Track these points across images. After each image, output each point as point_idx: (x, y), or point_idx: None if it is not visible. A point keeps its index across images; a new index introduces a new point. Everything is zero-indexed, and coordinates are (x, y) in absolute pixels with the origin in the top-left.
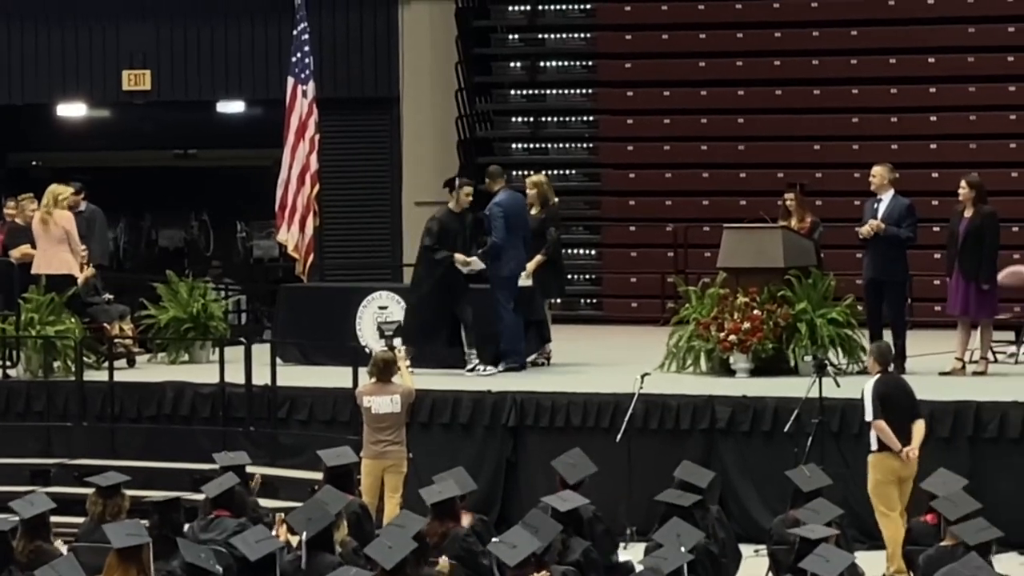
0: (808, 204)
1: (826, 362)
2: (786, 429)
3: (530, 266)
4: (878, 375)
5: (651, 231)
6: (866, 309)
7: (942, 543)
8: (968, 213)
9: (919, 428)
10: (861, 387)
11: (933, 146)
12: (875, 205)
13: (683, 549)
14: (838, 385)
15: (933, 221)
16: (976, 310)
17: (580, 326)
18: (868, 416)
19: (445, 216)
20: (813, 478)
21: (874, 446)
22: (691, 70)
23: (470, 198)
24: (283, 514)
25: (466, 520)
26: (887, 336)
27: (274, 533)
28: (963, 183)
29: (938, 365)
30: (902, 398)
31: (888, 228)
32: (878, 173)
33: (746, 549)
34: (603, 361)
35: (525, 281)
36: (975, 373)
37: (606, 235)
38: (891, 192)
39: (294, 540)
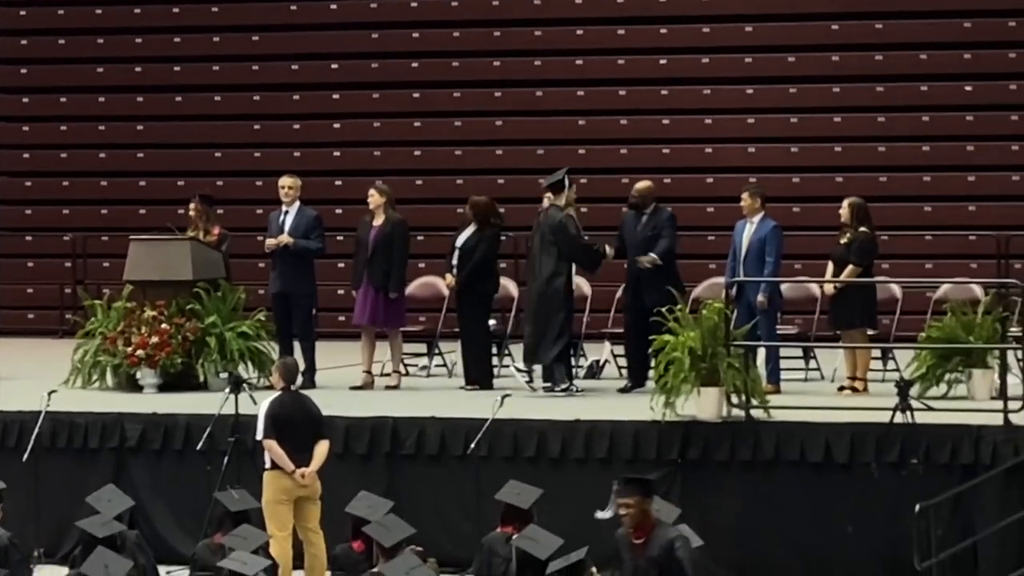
0: (213, 214)
1: (242, 379)
2: (199, 447)
3: None
4: (280, 392)
5: (48, 240)
6: (275, 322)
7: (374, 570)
8: (377, 221)
9: (320, 448)
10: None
11: (337, 153)
12: (281, 217)
13: None
14: (255, 402)
15: (339, 230)
16: (384, 320)
17: None
18: (259, 435)
19: None
20: (240, 500)
21: (268, 464)
22: (89, 76)
23: None
24: None
25: None
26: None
27: None
28: (372, 190)
29: (348, 378)
30: (300, 417)
31: (297, 241)
32: (293, 184)
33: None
34: (5, 376)
35: None
36: (388, 387)
37: (1, 245)
38: (298, 204)
39: None
